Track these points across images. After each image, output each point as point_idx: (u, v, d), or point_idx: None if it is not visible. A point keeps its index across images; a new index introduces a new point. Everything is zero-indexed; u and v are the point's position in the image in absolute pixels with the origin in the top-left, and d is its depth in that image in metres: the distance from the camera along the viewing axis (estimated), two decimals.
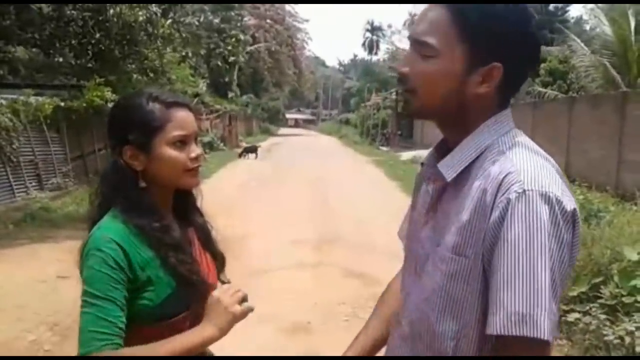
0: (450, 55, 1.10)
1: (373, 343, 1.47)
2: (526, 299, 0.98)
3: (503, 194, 1.02)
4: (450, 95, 1.12)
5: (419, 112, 1.18)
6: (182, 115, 1.41)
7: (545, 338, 0.97)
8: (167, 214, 1.45)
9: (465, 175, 1.12)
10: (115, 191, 1.39)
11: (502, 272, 1.00)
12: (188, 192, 1.54)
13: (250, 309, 1.39)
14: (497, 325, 1.00)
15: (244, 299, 1.39)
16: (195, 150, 1.42)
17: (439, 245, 1.13)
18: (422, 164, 1.30)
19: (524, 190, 1.01)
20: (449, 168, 1.13)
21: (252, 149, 23.48)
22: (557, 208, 1.01)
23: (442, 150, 1.21)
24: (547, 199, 1.00)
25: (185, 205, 1.53)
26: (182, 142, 1.39)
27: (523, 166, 1.05)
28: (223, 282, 1.58)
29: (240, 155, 23.01)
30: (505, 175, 1.04)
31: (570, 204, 1.03)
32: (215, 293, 1.37)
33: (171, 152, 1.38)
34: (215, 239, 1.58)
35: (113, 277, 1.27)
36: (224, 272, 1.59)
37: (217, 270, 1.56)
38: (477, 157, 1.12)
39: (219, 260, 1.57)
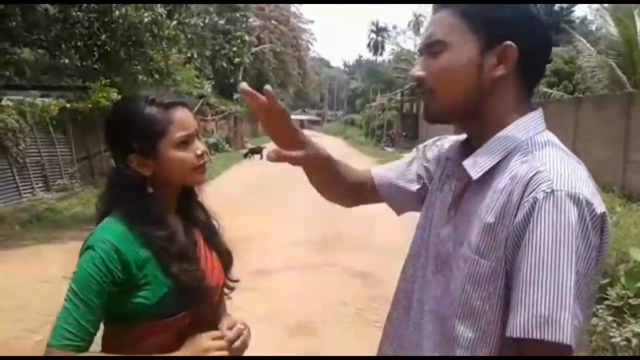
0: (461, 44, 1.09)
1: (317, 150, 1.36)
2: (550, 301, 0.94)
3: (530, 193, 0.99)
4: (469, 83, 1.10)
5: (441, 111, 1.15)
6: (182, 115, 1.41)
7: (568, 343, 0.93)
8: (172, 217, 1.45)
9: (490, 174, 1.08)
10: (122, 198, 1.38)
11: (526, 273, 0.96)
12: (191, 191, 1.53)
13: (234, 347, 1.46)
14: (518, 327, 0.96)
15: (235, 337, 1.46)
16: (200, 147, 1.43)
17: (461, 245, 1.10)
18: (446, 158, 1.26)
19: (553, 190, 0.97)
20: (475, 166, 1.10)
21: (258, 150, 23.67)
22: (586, 210, 0.96)
23: (466, 149, 1.18)
24: (576, 200, 0.96)
25: (188, 204, 1.52)
26: (185, 142, 1.39)
27: (553, 165, 1.01)
28: (231, 281, 1.58)
29: (245, 156, 23.32)
30: (534, 174, 1.00)
31: (600, 207, 0.99)
32: (203, 337, 1.39)
33: (178, 154, 1.38)
34: (222, 236, 1.58)
35: (96, 280, 1.28)
36: (231, 270, 1.58)
37: (224, 268, 1.55)
38: (505, 157, 1.08)
39: (225, 258, 1.56)
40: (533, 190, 0.98)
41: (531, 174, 1.00)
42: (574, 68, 19.81)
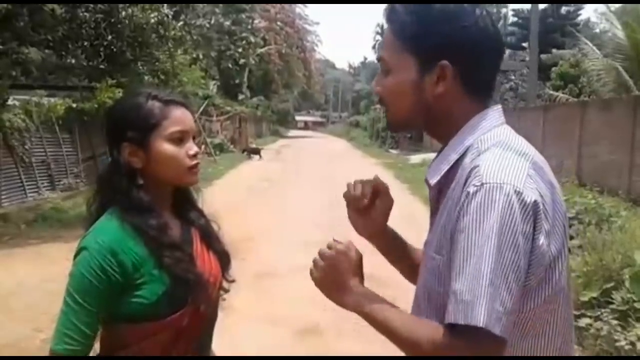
0: (401, 66, 1.16)
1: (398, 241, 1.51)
2: (468, 286, 0.98)
3: (465, 188, 1.04)
4: (415, 102, 1.16)
5: (395, 124, 1.25)
6: (179, 113, 1.42)
7: (481, 325, 0.95)
8: (165, 212, 1.45)
9: (452, 176, 1.13)
10: (113, 190, 1.39)
11: (454, 262, 1.02)
12: (187, 192, 1.54)
13: None
14: (447, 314, 1.00)
15: None
16: (193, 147, 1.42)
17: (428, 246, 1.17)
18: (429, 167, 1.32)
19: (482, 184, 1.02)
20: (434, 173, 1.17)
21: (255, 151, 24.28)
22: (514, 198, 1.00)
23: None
24: (503, 190, 1.00)
25: (185, 205, 1.52)
26: (179, 139, 1.40)
27: (488, 162, 1.05)
28: (228, 281, 1.58)
29: (243, 152, 24.15)
30: (470, 171, 1.06)
31: (531, 196, 1.01)
32: None
33: (169, 148, 1.38)
34: (220, 237, 1.58)
35: (93, 283, 1.29)
36: (228, 270, 1.58)
37: (222, 269, 1.55)
38: (460, 158, 1.13)
39: (223, 259, 1.56)
40: (468, 186, 1.04)
41: (468, 171, 1.06)
42: (579, 71, 19.76)
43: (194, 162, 1.42)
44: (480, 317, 0.96)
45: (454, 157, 1.14)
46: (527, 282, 1.03)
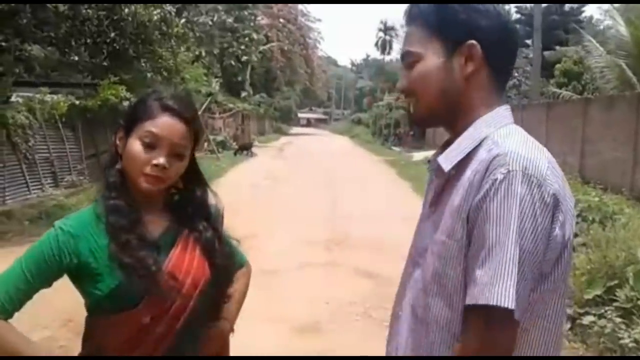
0: (430, 52, 1.20)
1: None
2: (494, 270, 1.03)
3: (490, 175, 1.08)
4: (444, 85, 1.20)
5: (425, 116, 1.26)
6: (166, 120, 1.38)
7: (510, 307, 1.02)
8: (149, 206, 1.43)
9: (462, 167, 1.17)
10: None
11: (476, 247, 1.07)
12: (194, 196, 1.50)
13: None
14: (469, 297, 1.06)
15: None
16: (159, 159, 1.36)
17: (436, 233, 1.19)
18: (428, 161, 1.34)
19: (509, 171, 1.06)
20: (447, 160, 1.20)
21: (247, 146, 24.24)
22: (535, 190, 1.06)
23: (447, 148, 1.27)
24: (528, 180, 1.06)
25: (187, 208, 1.48)
26: (150, 145, 1.37)
27: (512, 149, 1.10)
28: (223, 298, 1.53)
29: (235, 154, 23.00)
30: (494, 158, 1.09)
31: (552, 187, 1.08)
32: None
33: (135, 147, 1.38)
34: (221, 250, 1.50)
35: (44, 257, 1.34)
36: (222, 287, 1.51)
37: (217, 284, 1.47)
38: (474, 149, 1.17)
39: (220, 274, 1.48)
40: (492, 172, 1.08)
41: (491, 158, 1.10)
42: (583, 68, 19.70)
43: (152, 172, 1.36)
44: (501, 298, 1.02)
45: (469, 147, 1.18)
46: (541, 269, 1.10)
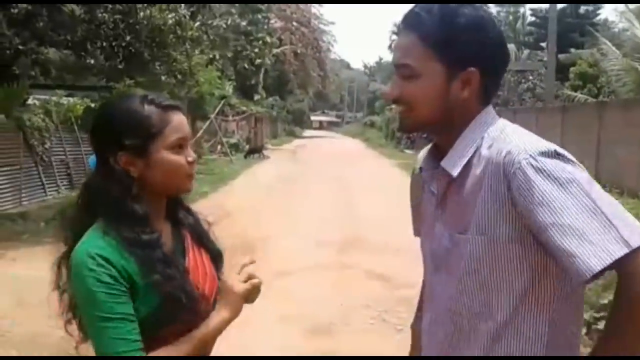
0: (430, 72, 1.22)
1: None
2: (595, 229, 1.02)
3: (513, 168, 1.11)
4: (440, 105, 1.23)
5: (417, 127, 1.32)
6: (179, 119, 1.36)
7: (635, 246, 1.00)
8: (159, 222, 1.39)
9: (466, 168, 1.22)
10: (105, 200, 1.31)
11: (558, 224, 1.04)
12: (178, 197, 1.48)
13: (256, 285, 1.40)
14: (587, 265, 1.01)
15: (250, 277, 1.40)
16: (192, 154, 1.38)
17: (460, 233, 1.21)
18: (420, 168, 1.38)
19: (530, 155, 1.10)
20: (453, 165, 1.23)
21: (257, 149, 24.45)
22: (561, 155, 1.11)
23: (436, 153, 1.31)
24: (549, 153, 1.11)
25: (175, 208, 1.46)
26: (180, 146, 1.34)
27: (514, 139, 1.16)
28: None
29: (246, 156, 23.31)
30: (507, 154, 1.13)
31: (566, 152, 1.13)
32: (224, 278, 1.40)
33: (171, 157, 1.32)
34: (211, 236, 1.52)
35: (113, 294, 1.23)
36: (221, 269, 1.51)
37: (215, 268, 1.48)
38: (475, 150, 1.22)
39: (216, 257, 1.50)
40: (513, 164, 1.11)
41: (503, 155, 1.14)
42: (598, 71, 19.53)
43: (193, 170, 1.38)
44: (635, 239, 1.01)
45: (472, 149, 1.22)
46: None
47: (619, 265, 1.01)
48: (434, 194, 1.30)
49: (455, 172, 1.22)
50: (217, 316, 1.34)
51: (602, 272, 1.01)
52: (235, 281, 1.37)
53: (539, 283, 1.15)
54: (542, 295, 1.16)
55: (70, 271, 1.29)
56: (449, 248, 1.24)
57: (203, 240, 1.49)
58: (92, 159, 1.44)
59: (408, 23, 1.26)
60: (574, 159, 1.12)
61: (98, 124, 1.36)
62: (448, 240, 1.24)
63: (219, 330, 1.34)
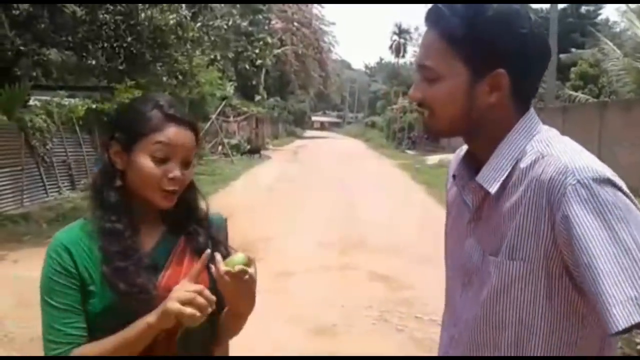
0: (453, 74, 1.11)
1: None
2: (633, 280, 0.92)
3: (559, 191, 1.00)
4: (465, 110, 1.12)
5: (441, 132, 1.22)
6: (175, 131, 1.31)
7: None
8: (148, 221, 1.36)
9: (504, 183, 1.11)
10: (95, 187, 1.35)
11: (594, 267, 0.95)
12: (186, 201, 1.41)
13: (189, 315, 1.19)
14: (616, 320, 0.92)
15: (191, 301, 1.20)
16: (175, 171, 1.30)
17: (491, 253, 1.11)
18: (453, 176, 1.28)
19: (578, 181, 0.99)
20: (490, 180, 1.12)
21: (255, 150, 24.74)
22: (617, 185, 1.00)
23: (471, 161, 1.22)
24: (602, 180, 0.99)
25: (176, 213, 1.39)
26: (162, 158, 1.29)
27: (564, 158, 1.03)
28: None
29: (242, 154, 23.94)
30: (552, 177, 1.02)
31: (619, 179, 1.02)
32: (180, 282, 1.27)
33: (146, 163, 1.29)
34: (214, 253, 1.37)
35: (59, 282, 1.26)
36: (222, 299, 1.35)
37: (215, 292, 1.32)
38: (515, 164, 1.11)
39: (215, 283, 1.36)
40: (559, 187, 1.00)
41: (549, 176, 1.02)
42: (599, 71, 19.53)
43: (170, 187, 1.30)
44: None
45: (510, 163, 1.11)
46: None
47: None
48: (468, 207, 1.20)
49: (493, 190, 1.11)
50: (142, 320, 1.24)
51: (629, 329, 0.93)
52: (175, 291, 1.22)
53: (565, 318, 1.07)
54: (568, 328, 1.07)
55: None
56: (479, 266, 1.15)
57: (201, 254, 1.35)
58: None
59: (430, 19, 1.14)
60: (624, 186, 1.02)
61: (113, 117, 1.45)
62: (477, 257, 1.16)
63: (141, 333, 1.24)
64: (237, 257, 1.29)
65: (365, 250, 7.65)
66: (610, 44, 16.59)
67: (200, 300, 1.20)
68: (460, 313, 1.22)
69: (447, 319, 1.29)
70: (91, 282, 1.27)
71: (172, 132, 1.30)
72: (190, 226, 1.40)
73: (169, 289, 1.25)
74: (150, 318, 1.22)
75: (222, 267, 1.26)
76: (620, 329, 0.92)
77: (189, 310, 1.18)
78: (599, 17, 35.22)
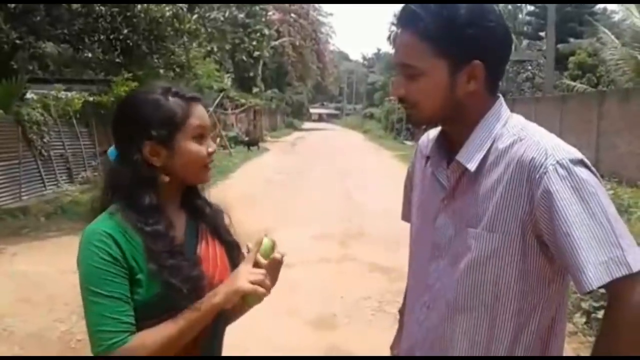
0: (434, 69, 1.21)
1: None
2: (604, 246, 1.07)
3: (539, 170, 1.13)
4: (447, 100, 1.23)
5: (421, 122, 1.32)
6: (200, 110, 1.40)
7: (635, 270, 1.05)
8: (173, 211, 1.41)
9: (482, 162, 1.23)
10: (122, 186, 1.35)
11: (572, 235, 1.08)
12: (194, 186, 1.49)
13: (262, 293, 1.31)
14: (590, 280, 1.06)
15: (261, 282, 1.31)
16: (212, 145, 1.42)
17: (468, 226, 1.22)
18: (427, 157, 1.38)
19: (557, 162, 1.12)
20: (469, 158, 1.23)
21: (253, 142, 24.59)
22: (588, 165, 1.14)
23: (444, 143, 1.33)
24: (577, 161, 1.14)
25: (193, 199, 1.48)
26: (201, 136, 1.38)
27: (542, 142, 1.17)
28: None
29: (236, 144, 23.77)
30: (533, 157, 1.15)
31: (587, 160, 1.16)
32: (241, 264, 1.36)
33: (193, 146, 1.36)
34: (228, 228, 1.53)
35: (110, 271, 1.25)
36: (237, 261, 1.47)
37: (231, 261, 1.47)
38: (491, 144, 1.23)
39: (231, 250, 1.50)
40: (540, 167, 1.13)
41: (530, 156, 1.16)
42: (597, 60, 19.49)
43: (209, 161, 1.41)
44: (633, 264, 1.06)
45: (488, 144, 1.23)
46: None
47: (614, 285, 1.07)
48: (442, 185, 1.30)
49: (473, 167, 1.23)
50: (207, 301, 1.29)
51: (598, 288, 1.08)
52: (243, 272, 1.32)
53: (536, 280, 1.20)
54: (543, 295, 1.21)
55: (79, 250, 1.31)
56: (454, 240, 1.26)
57: (219, 232, 1.49)
58: (111, 150, 1.43)
59: (404, 21, 1.23)
60: (594, 168, 1.16)
61: (123, 115, 1.41)
62: (454, 231, 1.26)
63: (207, 314, 1.29)
64: (266, 244, 1.40)
65: (364, 241, 7.66)
66: (609, 33, 16.56)
67: (268, 281, 1.33)
68: (433, 282, 1.31)
69: (416, 288, 1.39)
70: (139, 271, 1.29)
71: (200, 111, 1.40)
72: (203, 206, 1.48)
73: (209, 274, 1.36)
74: (217, 299, 1.29)
75: (260, 259, 1.37)
76: (593, 288, 1.06)
77: (261, 289, 1.30)
78: (597, 7, 35.09)
